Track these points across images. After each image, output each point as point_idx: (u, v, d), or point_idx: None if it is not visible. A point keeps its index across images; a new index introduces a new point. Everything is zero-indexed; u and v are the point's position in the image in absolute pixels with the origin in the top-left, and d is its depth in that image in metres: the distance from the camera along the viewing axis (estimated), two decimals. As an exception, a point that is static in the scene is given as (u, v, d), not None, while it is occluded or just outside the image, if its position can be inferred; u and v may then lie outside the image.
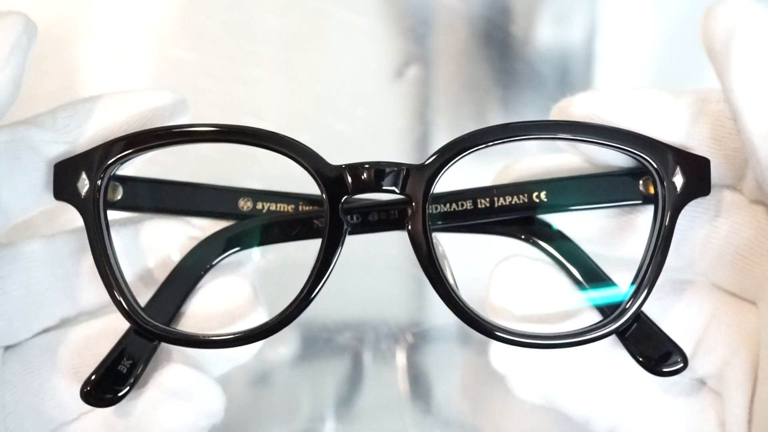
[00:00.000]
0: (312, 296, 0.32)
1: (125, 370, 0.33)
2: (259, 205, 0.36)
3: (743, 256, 0.33)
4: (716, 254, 0.34)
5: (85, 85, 0.55)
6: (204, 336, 0.33)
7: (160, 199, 0.36)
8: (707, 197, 0.33)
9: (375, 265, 0.53)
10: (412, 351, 0.52)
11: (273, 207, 0.36)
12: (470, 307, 0.33)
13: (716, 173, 0.32)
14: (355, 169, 0.32)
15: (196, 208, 0.36)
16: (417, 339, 0.53)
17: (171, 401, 0.33)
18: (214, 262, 0.35)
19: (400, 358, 0.52)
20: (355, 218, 0.35)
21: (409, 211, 0.33)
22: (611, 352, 0.34)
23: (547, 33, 0.58)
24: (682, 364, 0.33)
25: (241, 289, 0.35)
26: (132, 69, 0.56)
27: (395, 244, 0.53)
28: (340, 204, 0.32)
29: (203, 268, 0.35)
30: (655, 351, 0.33)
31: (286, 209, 0.36)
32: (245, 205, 0.36)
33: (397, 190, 0.32)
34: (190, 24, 0.57)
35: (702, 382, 0.35)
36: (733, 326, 0.33)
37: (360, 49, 0.57)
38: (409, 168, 0.32)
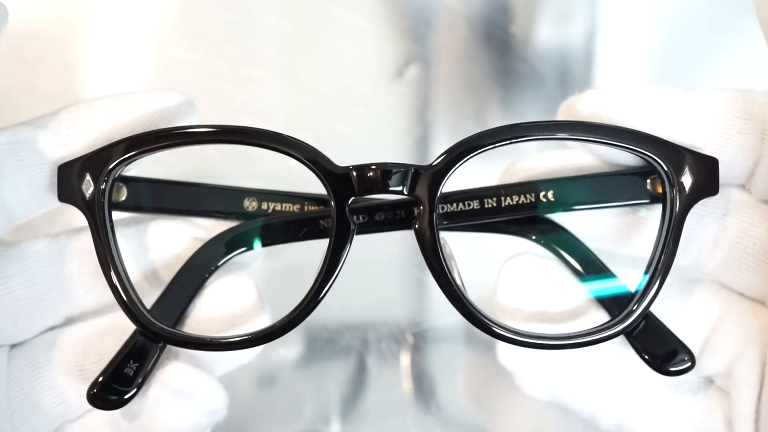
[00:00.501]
0: (320, 297, 0.32)
1: (131, 373, 0.33)
2: (264, 205, 0.36)
3: (752, 255, 0.33)
4: (725, 254, 0.34)
5: (85, 85, 0.55)
6: (211, 338, 0.33)
7: (164, 200, 0.36)
8: (715, 196, 0.33)
9: (376, 266, 0.53)
10: (415, 351, 0.52)
11: (278, 207, 0.36)
12: (478, 308, 0.33)
13: (724, 172, 0.32)
14: (361, 169, 0.32)
15: (200, 208, 0.36)
16: (419, 339, 0.53)
17: (173, 399, 0.33)
18: (219, 263, 0.35)
19: (403, 358, 0.52)
20: (361, 218, 0.35)
21: (416, 211, 0.32)
22: (618, 350, 0.34)
23: (547, 33, 0.58)
24: (689, 364, 0.33)
25: (245, 290, 0.35)
26: (132, 69, 0.56)
27: (396, 244, 0.53)
28: (347, 204, 0.32)
29: (209, 269, 0.35)
30: (662, 350, 0.33)
31: (291, 209, 0.36)
32: (250, 205, 0.36)
33: (405, 191, 0.32)
34: (190, 24, 0.57)
35: (709, 381, 0.35)
36: (741, 325, 0.33)
37: (360, 49, 0.57)
38: (417, 169, 0.32)
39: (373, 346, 0.52)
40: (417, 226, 0.32)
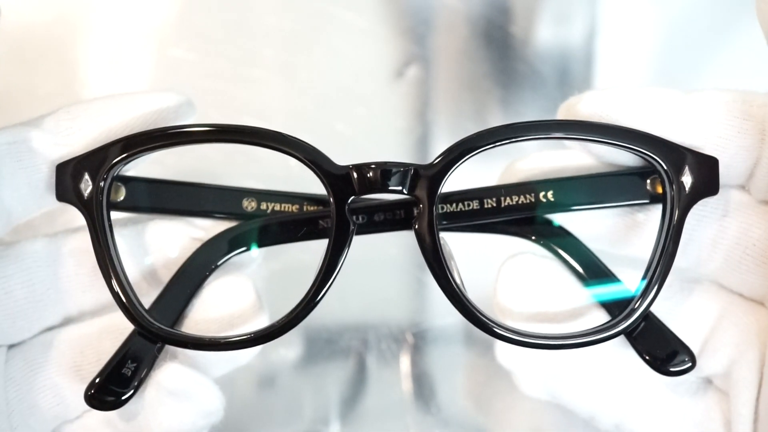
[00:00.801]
0: (319, 297, 0.32)
1: (129, 373, 0.33)
2: (264, 206, 0.36)
3: (752, 256, 0.33)
4: (724, 255, 0.34)
5: (85, 85, 0.55)
6: (210, 338, 0.33)
7: (163, 200, 0.36)
8: (715, 197, 0.32)
9: (376, 266, 0.53)
10: (415, 352, 0.52)
11: (277, 207, 0.36)
12: (478, 307, 0.33)
13: (724, 173, 0.32)
14: (361, 169, 0.32)
15: (199, 208, 0.36)
16: (418, 340, 0.53)
17: (169, 400, 0.33)
18: (218, 263, 0.35)
19: (403, 359, 0.52)
20: (361, 218, 0.35)
21: (416, 211, 0.32)
22: (618, 350, 0.34)
23: (547, 33, 0.58)
24: (689, 364, 0.33)
25: (244, 290, 0.34)
26: (132, 69, 0.56)
27: (396, 244, 0.53)
28: (347, 204, 0.32)
29: (208, 269, 0.35)
30: (662, 350, 0.33)
31: (290, 209, 0.36)
32: (249, 205, 0.36)
33: (405, 191, 0.32)
34: (190, 24, 0.57)
35: (708, 381, 0.35)
36: (740, 326, 0.33)
37: (360, 49, 0.57)
38: (416, 168, 0.32)
39: (373, 347, 0.52)
40: (417, 226, 0.32)
